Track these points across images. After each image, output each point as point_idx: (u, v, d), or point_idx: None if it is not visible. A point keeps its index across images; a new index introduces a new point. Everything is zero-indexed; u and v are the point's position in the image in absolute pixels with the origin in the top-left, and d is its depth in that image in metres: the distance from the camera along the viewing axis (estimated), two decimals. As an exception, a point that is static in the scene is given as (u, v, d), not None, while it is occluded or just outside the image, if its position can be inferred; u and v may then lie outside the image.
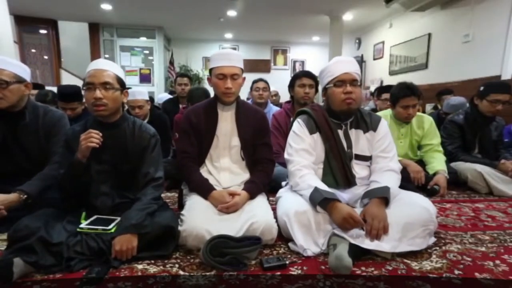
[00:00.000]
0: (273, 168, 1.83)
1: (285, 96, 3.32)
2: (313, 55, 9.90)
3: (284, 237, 1.49)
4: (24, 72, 1.67)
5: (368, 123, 1.65)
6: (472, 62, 4.96)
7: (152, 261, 1.31)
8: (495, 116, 2.61)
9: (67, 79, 7.64)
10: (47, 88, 3.60)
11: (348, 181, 1.59)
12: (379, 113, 2.52)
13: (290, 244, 1.44)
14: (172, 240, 1.37)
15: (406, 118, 2.45)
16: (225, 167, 1.75)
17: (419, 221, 1.38)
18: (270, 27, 8.10)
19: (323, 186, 1.48)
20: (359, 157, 1.63)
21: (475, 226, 1.78)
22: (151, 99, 3.46)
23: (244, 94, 5.70)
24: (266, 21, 7.54)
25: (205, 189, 1.62)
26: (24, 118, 1.69)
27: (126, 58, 8.46)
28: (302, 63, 10.08)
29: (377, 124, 1.66)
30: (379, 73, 7.68)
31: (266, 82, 3.47)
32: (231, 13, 6.95)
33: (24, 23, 7.39)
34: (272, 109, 3.35)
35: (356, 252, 1.29)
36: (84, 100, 2.54)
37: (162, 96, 5.05)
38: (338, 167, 1.59)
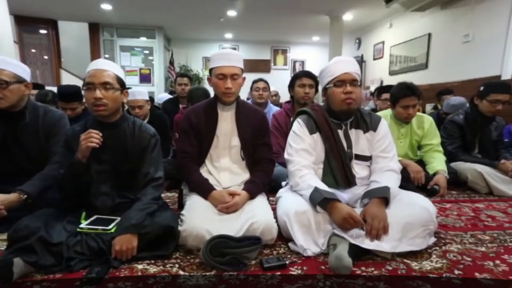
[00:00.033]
0: (273, 168, 1.83)
1: (285, 96, 3.32)
2: (313, 55, 9.90)
3: (284, 237, 1.49)
4: (24, 72, 1.67)
5: (368, 123, 1.65)
6: (472, 62, 4.96)
7: (152, 261, 1.31)
8: (495, 116, 2.61)
9: (67, 79, 7.64)
10: (47, 88, 3.60)
11: (348, 181, 1.60)
12: (379, 113, 2.52)
13: (290, 244, 1.44)
14: (172, 240, 1.37)
15: (406, 118, 2.45)
16: (225, 167, 1.75)
17: (419, 221, 1.38)
18: (270, 27, 8.10)
19: (323, 186, 1.48)
20: (359, 157, 1.63)
21: (475, 226, 1.78)
22: (151, 99, 3.46)
23: (244, 94, 5.70)
24: (266, 21, 7.54)
25: (205, 189, 1.62)
26: (24, 118, 1.69)
27: (126, 58, 8.46)
28: (302, 63, 10.08)
29: (377, 124, 1.66)
30: (379, 73, 7.68)
31: (266, 82, 3.47)
32: (231, 13, 6.95)
33: (24, 23, 7.39)
34: (272, 109, 3.35)
35: (356, 252, 1.29)
36: (84, 100, 2.56)
37: (162, 96, 5.05)
38: (338, 167, 1.59)
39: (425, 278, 1.20)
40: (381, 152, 1.63)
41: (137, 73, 8.52)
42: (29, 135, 1.70)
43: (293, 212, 1.40)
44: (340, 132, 1.64)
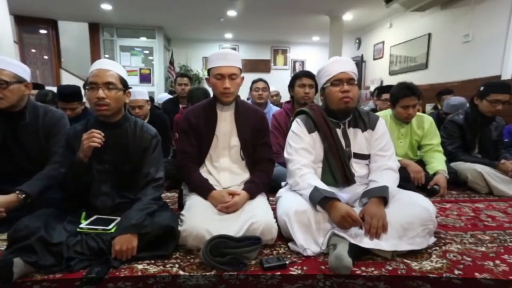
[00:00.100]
0: (273, 168, 1.83)
1: (286, 96, 3.33)
2: (313, 55, 9.90)
3: (284, 237, 1.49)
4: (24, 72, 1.67)
5: (366, 122, 1.67)
6: (472, 62, 4.96)
7: (152, 261, 1.31)
8: (495, 116, 2.61)
9: (67, 79, 7.64)
10: (47, 88, 3.60)
11: (347, 179, 1.60)
12: (379, 113, 2.52)
13: (290, 244, 1.44)
14: (172, 240, 1.37)
15: (406, 118, 2.45)
16: (225, 167, 1.75)
17: (419, 221, 1.38)
18: (270, 27, 8.10)
19: (323, 186, 1.48)
20: (358, 156, 1.64)
21: (475, 226, 1.78)
22: (151, 99, 3.46)
23: (244, 94, 5.70)
24: (266, 21, 7.54)
25: (205, 189, 1.62)
26: (24, 118, 1.69)
27: (126, 58, 8.46)
28: (302, 63, 10.08)
29: (375, 123, 1.67)
30: (379, 73, 7.68)
31: (265, 82, 3.47)
32: (231, 13, 6.95)
33: (24, 23, 7.39)
34: (272, 109, 3.35)
35: (356, 252, 1.29)
36: (84, 100, 2.56)
37: (162, 96, 5.05)
38: (337, 165, 1.60)
39: (425, 278, 1.20)
40: (379, 150, 1.63)
41: (137, 73, 8.52)
42: (29, 135, 1.70)
43: (293, 212, 1.40)
44: (339, 131, 1.65)
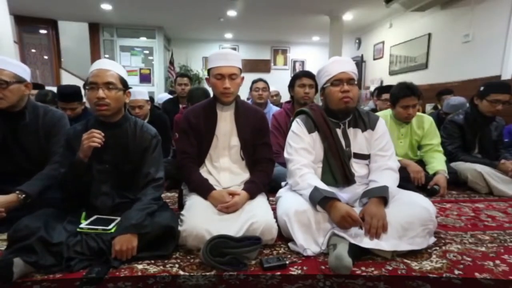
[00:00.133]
0: (273, 168, 1.83)
1: (286, 96, 3.33)
2: (313, 55, 9.90)
3: (284, 237, 1.49)
4: (24, 72, 1.67)
5: (366, 122, 1.67)
6: (472, 62, 4.96)
7: (152, 261, 1.31)
8: (495, 116, 2.61)
9: (67, 79, 7.64)
10: (47, 88, 3.60)
11: (347, 179, 1.60)
12: (379, 113, 2.52)
13: (290, 244, 1.44)
14: (172, 240, 1.37)
15: (406, 118, 2.45)
16: (225, 167, 1.75)
17: (419, 221, 1.38)
18: (270, 27, 8.10)
19: (323, 186, 1.48)
20: (358, 156, 1.65)
21: (475, 226, 1.78)
22: (151, 99, 3.46)
23: (244, 94, 5.70)
24: (266, 21, 7.54)
25: (205, 189, 1.61)
26: (24, 118, 1.69)
27: (126, 58, 8.46)
28: (302, 63, 10.08)
29: (375, 123, 1.68)
30: (379, 73, 7.68)
31: (265, 82, 3.47)
32: (231, 13, 6.95)
33: (24, 23, 7.39)
34: (272, 109, 3.35)
35: (356, 252, 1.29)
36: (84, 100, 2.56)
37: (162, 96, 5.05)
38: (337, 165, 1.60)
39: (425, 278, 1.20)
40: (379, 150, 1.64)
41: (137, 73, 8.52)
42: (29, 135, 1.70)
43: (293, 212, 1.40)
44: (339, 131, 1.65)
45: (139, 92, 2.64)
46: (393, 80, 6.21)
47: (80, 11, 7.02)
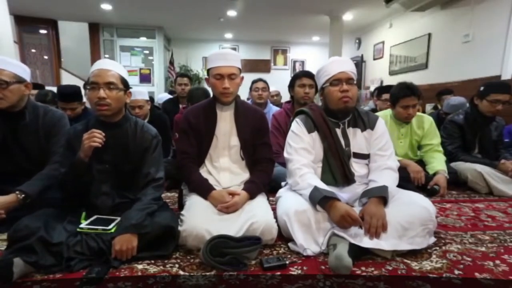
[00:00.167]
0: (273, 168, 1.83)
1: (286, 97, 3.33)
2: (313, 55, 9.91)
3: (284, 237, 1.49)
4: (24, 72, 1.67)
5: (365, 122, 1.67)
6: (472, 62, 4.96)
7: (152, 261, 1.31)
8: (495, 116, 2.61)
9: (67, 79, 7.64)
10: (47, 88, 3.60)
11: (347, 179, 1.61)
12: (379, 113, 2.52)
13: (290, 244, 1.44)
14: (172, 240, 1.37)
15: (406, 118, 2.45)
16: (225, 167, 1.75)
17: (419, 220, 1.38)
18: (270, 27, 8.10)
19: (322, 185, 1.48)
20: (357, 155, 1.65)
21: (475, 226, 1.78)
22: (151, 99, 3.46)
23: (244, 94, 5.70)
24: (266, 21, 7.54)
25: (204, 189, 1.61)
26: (24, 118, 1.69)
27: (126, 58, 8.46)
28: (302, 63, 10.08)
29: (375, 122, 1.68)
30: (379, 73, 7.68)
31: (265, 82, 3.47)
32: (231, 13, 6.95)
33: (24, 23, 7.39)
34: (272, 109, 3.35)
35: (356, 252, 1.29)
36: (84, 100, 2.56)
37: (162, 96, 5.05)
38: (336, 165, 1.61)
39: (425, 278, 1.20)
40: (379, 150, 1.64)
41: (137, 73, 8.51)
42: (29, 135, 1.70)
43: (293, 212, 1.40)
44: (338, 131, 1.65)
45: (139, 92, 2.64)
46: (393, 80, 6.20)
47: (80, 11, 7.02)
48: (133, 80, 8.26)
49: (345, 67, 1.60)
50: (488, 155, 2.63)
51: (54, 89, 3.04)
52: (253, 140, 1.76)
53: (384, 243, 1.32)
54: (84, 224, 1.37)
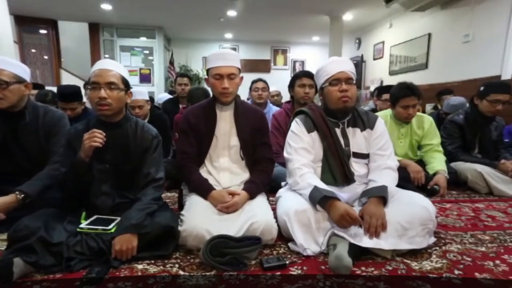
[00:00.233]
0: (273, 167, 1.83)
1: (286, 97, 3.33)
2: (313, 55, 9.91)
3: (284, 237, 1.49)
4: (24, 72, 1.67)
5: (365, 122, 1.68)
6: (472, 62, 4.96)
7: (152, 261, 1.31)
8: (495, 116, 2.61)
9: (67, 79, 7.64)
10: (47, 88, 3.60)
11: (347, 178, 1.61)
12: (379, 113, 2.52)
13: (290, 244, 1.44)
14: (172, 240, 1.37)
15: (406, 118, 2.45)
16: (225, 167, 1.75)
17: (419, 220, 1.38)
18: (270, 27, 8.10)
19: (322, 185, 1.49)
20: (357, 155, 1.65)
21: (475, 226, 1.78)
22: (151, 99, 3.46)
23: (244, 94, 5.70)
24: (266, 21, 7.54)
25: (204, 189, 1.62)
26: (24, 118, 1.69)
27: (126, 58, 8.46)
28: (302, 63, 10.08)
29: (374, 122, 1.69)
30: (379, 73, 7.68)
31: (265, 82, 3.47)
32: (231, 13, 6.95)
33: (24, 23, 7.39)
34: (272, 109, 3.35)
35: (356, 252, 1.29)
36: (84, 100, 2.56)
37: (162, 96, 5.05)
38: (336, 164, 1.61)
39: (425, 278, 1.20)
40: (378, 150, 1.64)
41: (137, 73, 8.51)
42: (29, 135, 1.70)
43: (293, 211, 1.40)
44: (338, 131, 1.66)
45: (139, 92, 2.64)
46: (393, 80, 6.21)
47: (80, 11, 7.02)
48: (133, 80, 8.23)
49: (344, 67, 1.60)
50: (488, 155, 2.63)
51: (54, 89, 3.04)
52: (253, 140, 1.76)
53: (384, 243, 1.32)
54: (84, 224, 1.37)
